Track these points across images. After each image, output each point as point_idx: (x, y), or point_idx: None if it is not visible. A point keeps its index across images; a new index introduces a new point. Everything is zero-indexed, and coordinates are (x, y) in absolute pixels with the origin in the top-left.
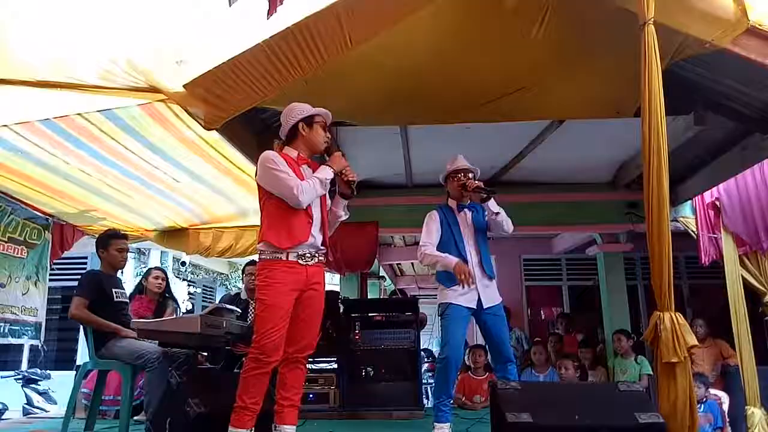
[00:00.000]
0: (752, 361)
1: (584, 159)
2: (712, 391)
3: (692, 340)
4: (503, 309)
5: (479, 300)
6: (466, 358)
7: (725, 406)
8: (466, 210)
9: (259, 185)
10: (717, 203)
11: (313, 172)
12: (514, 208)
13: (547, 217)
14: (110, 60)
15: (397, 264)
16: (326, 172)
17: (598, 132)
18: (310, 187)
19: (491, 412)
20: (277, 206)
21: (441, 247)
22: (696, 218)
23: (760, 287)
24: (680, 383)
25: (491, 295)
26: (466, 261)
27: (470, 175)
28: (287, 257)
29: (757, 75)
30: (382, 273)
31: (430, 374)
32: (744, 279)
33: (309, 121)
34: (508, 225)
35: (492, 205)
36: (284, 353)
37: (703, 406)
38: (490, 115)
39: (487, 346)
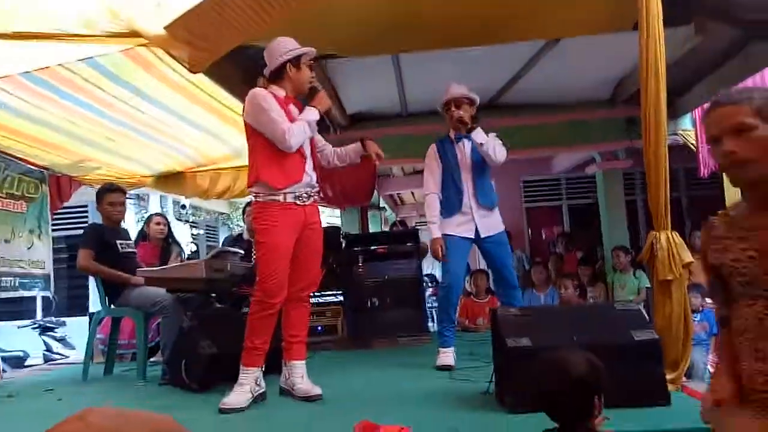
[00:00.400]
0: None
1: (582, 77)
2: (708, 300)
3: (687, 257)
4: (506, 235)
5: (476, 230)
6: (467, 284)
7: None
8: (464, 140)
9: (246, 123)
10: None
11: (299, 111)
12: (513, 131)
13: (546, 138)
14: (90, 8)
15: (397, 194)
16: (313, 114)
17: (595, 49)
18: (300, 130)
19: (492, 337)
20: (268, 145)
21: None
22: (696, 130)
23: None
24: (675, 299)
25: (489, 225)
26: (461, 192)
27: (461, 106)
28: (284, 198)
29: None
30: (382, 204)
31: (434, 298)
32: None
33: (296, 61)
34: (496, 155)
35: (476, 135)
36: (288, 292)
37: (699, 315)
38: (484, 38)
39: (490, 273)
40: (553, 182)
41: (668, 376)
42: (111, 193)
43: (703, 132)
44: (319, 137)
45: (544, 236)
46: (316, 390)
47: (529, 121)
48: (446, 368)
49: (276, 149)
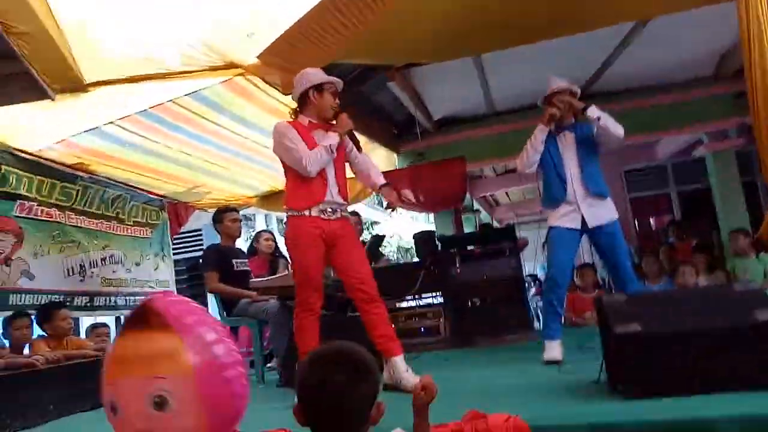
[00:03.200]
0: None
1: (678, 55)
2: None
3: None
4: (618, 227)
5: (583, 220)
6: (575, 278)
7: None
8: (566, 131)
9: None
10: None
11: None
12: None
13: (646, 123)
14: (188, 45)
15: (491, 195)
16: (331, 139)
17: (690, 23)
18: (316, 157)
19: (599, 326)
20: (296, 172)
21: (542, 167)
22: None
23: None
24: None
25: (598, 214)
26: (564, 181)
27: (565, 97)
28: (310, 213)
29: None
30: (476, 206)
31: (539, 298)
32: None
33: (319, 88)
34: (616, 128)
35: (591, 111)
36: (353, 298)
37: None
38: (567, 29)
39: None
40: (659, 169)
41: None
42: (230, 212)
43: None
44: (353, 149)
45: (653, 227)
46: (415, 380)
47: (626, 107)
48: (554, 362)
49: (302, 176)
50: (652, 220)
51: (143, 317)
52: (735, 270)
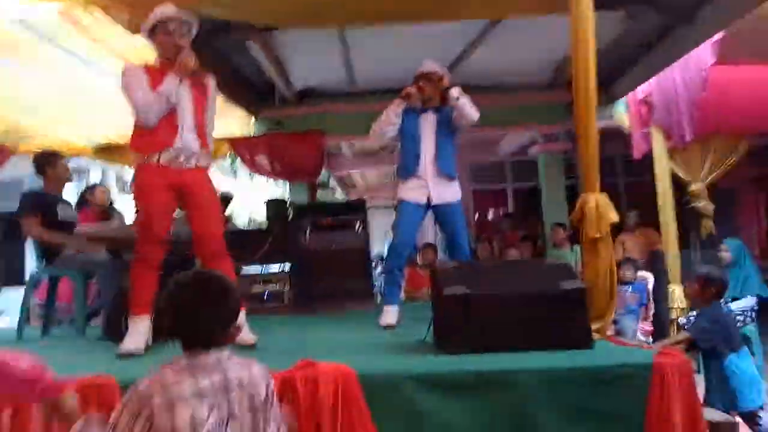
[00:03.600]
0: (676, 246)
1: (523, 60)
2: (640, 273)
3: (614, 217)
4: (460, 208)
5: (429, 196)
6: (418, 256)
7: (650, 286)
8: (429, 111)
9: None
10: (648, 99)
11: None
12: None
13: (491, 119)
14: None
15: (348, 174)
16: (167, 83)
17: (534, 32)
18: (148, 106)
19: (432, 290)
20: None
21: (401, 142)
22: (628, 114)
23: (686, 177)
24: (602, 256)
25: (443, 193)
26: (418, 157)
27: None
28: (158, 161)
29: None
30: (332, 184)
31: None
32: (673, 171)
33: (164, 26)
34: (471, 112)
35: (454, 91)
36: (198, 254)
37: (631, 287)
38: (427, 15)
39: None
40: (499, 165)
41: (594, 326)
42: (63, 158)
43: (636, 116)
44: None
45: (491, 217)
46: (251, 339)
47: (474, 101)
48: (390, 327)
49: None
50: (489, 211)
51: None
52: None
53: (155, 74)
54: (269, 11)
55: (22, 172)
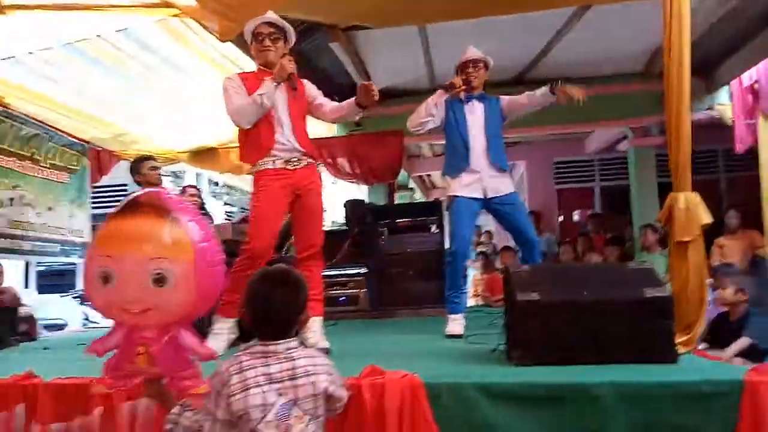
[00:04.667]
0: None
1: (613, 49)
2: None
3: (707, 218)
4: (518, 198)
5: (484, 190)
6: (497, 261)
7: None
8: (474, 101)
9: None
10: (755, 86)
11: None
12: (542, 108)
13: (577, 114)
14: None
15: (427, 175)
16: (265, 86)
17: (626, 19)
18: (242, 108)
19: (505, 294)
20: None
21: (447, 134)
22: (732, 104)
23: None
24: (692, 261)
25: (498, 186)
26: (468, 151)
27: (478, 68)
28: (274, 164)
29: None
30: (411, 185)
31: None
32: None
33: (256, 35)
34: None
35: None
36: (297, 253)
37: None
38: (510, 6)
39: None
40: (586, 163)
41: (680, 339)
42: (148, 160)
43: (740, 105)
44: (318, 98)
45: (577, 218)
46: (324, 343)
47: None
48: (455, 336)
49: (250, 128)
50: (575, 213)
51: (139, 206)
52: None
53: (253, 81)
54: (351, 12)
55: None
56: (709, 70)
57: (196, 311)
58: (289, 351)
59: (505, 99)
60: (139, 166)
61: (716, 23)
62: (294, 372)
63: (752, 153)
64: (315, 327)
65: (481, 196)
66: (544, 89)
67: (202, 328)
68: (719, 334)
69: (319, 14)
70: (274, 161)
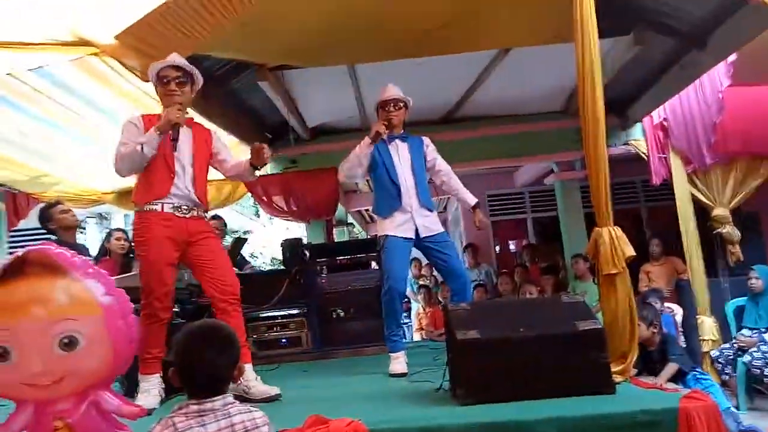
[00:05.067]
0: (702, 275)
1: (535, 88)
2: (667, 304)
3: (630, 251)
4: (447, 236)
5: (416, 230)
6: (439, 295)
7: (678, 318)
8: (397, 140)
9: None
10: (664, 123)
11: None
12: (472, 143)
13: (504, 149)
14: (37, 14)
15: (366, 210)
16: (147, 136)
17: (545, 60)
18: (128, 155)
19: (445, 332)
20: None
21: (375, 176)
22: (646, 140)
23: (708, 203)
24: (620, 292)
25: (429, 225)
26: (398, 191)
27: (398, 108)
28: (162, 208)
29: None
30: (350, 220)
31: (406, 314)
32: (694, 196)
33: (156, 80)
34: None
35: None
36: (212, 302)
37: None
38: (434, 48)
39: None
40: (517, 195)
41: (616, 368)
42: (56, 205)
43: (653, 141)
44: (222, 152)
45: (513, 248)
46: (274, 390)
47: (487, 133)
48: (399, 375)
49: (147, 168)
50: (511, 243)
51: (26, 266)
52: (575, 291)
53: (151, 125)
54: (279, 51)
55: None
56: (622, 109)
57: (116, 370)
58: (225, 407)
59: (432, 152)
60: (49, 213)
61: (625, 66)
62: (233, 429)
63: (668, 184)
64: (252, 375)
65: (413, 236)
66: (469, 202)
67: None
68: (646, 363)
69: (246, 54)
70: (164, 206)
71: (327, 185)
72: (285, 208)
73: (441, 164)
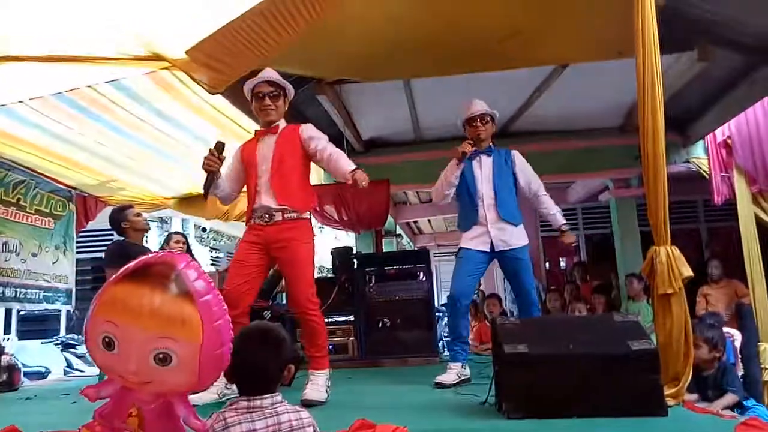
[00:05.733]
0: (765, 298)
1: (592, 104)
2: (725, 329)
3: (687, 271)
4: (525, 254)
5: (492, 243)
6: (484, 308)
7: (737, 343)
8: (482, 155)
9: None
10: (728, 141)
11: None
12: (526, 158)
13: (558, 165)
14: (114, 31)
15: (414, 222)
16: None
17: (604, 75)
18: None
19: (492, 346)
20: None
21: (457, 191)
22: (708, 158)
23: None
24: (676, 314)
25: (507, 238)
26: (476, 205)
27: (485, 122)
28: (252, 221)
29: (759, 2)
30: (399, 231)
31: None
32: (757, 217)
33: (251, 96)
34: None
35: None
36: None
37: None
38: (492, 63)
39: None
40: (569, 212)
41: (669, 391)
42: (130, 208)
43: (716, 159)
44: (315, 142)
45: (563, 266)
46: (319, 397)
47: (541, 148)
48: (443, 386)
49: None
50: (561, 260)
51: (151, 273)
52: (628, 311)
53: (248, 146)
54: (341, 66)
55: None
56: (684, 126)
57: (195, 389)
58: (274, 406)
59: (527, 173)
60: (123, 214)
61: (688, 82)
62: (279, 427)
63: (730, 204)
64: (312, 379)
65: (488, 249)
66: (555, 222)
67: None
68: (698, 389)
69: (307, 68)
70: (252, 219)
71: (378, 197)
72: (336, 218)
73: (537, 191)
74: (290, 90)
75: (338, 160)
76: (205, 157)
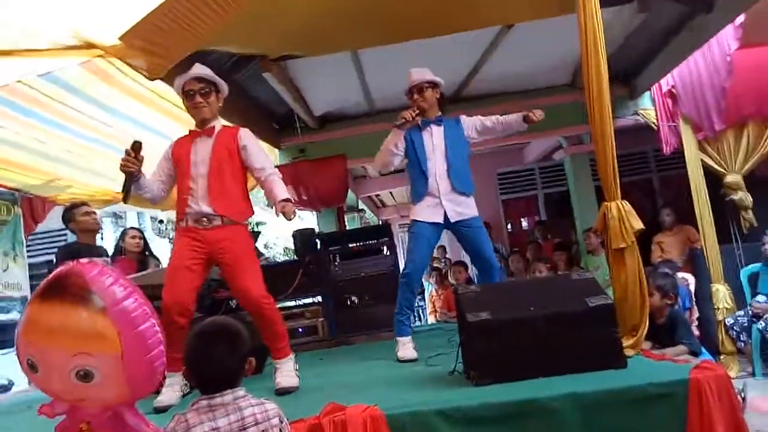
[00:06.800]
0: (715, 242)
1: (541, 63)
2: (680, 274)
3: (638, 224)
4: (479, 222)
5: (446, 214)
6: (450, 275)
7: (692, 287)
8: (432, 125)
9: None
10: (673, 91)
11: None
12: None
13: None
14: (42, 21)
15: (376, 195)
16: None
17: (550, 33)
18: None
19: (457, 315)
20: None
21: (408, 164)
22: (655, 108)
23: (720, 169)
24: (630, 266)
25: (460, 209)
26: (426, 176)
27: (424, 91)
28: (186, 223)
29: None
30: (361, 206)
31: (420, 297)
32: (705, 163)
33: (181, 94)
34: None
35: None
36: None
37: None
38: (435, 28)
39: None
40: (527, 172)
41: (627, 342)
42: (79, 206)
43: (662, 109)
44: (253, 159)
45: (525, 226)
46: (292, 383)
47: (494, 111)
48: (409, 361)
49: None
50: (522, 221)
51: (63, 289)
52: (588, 266)
53: (181, 144)
54: (280, 42)
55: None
56: (630, 79)
57: (134, 397)
58: (236, 401)
59: (471, 122)
60: (71, 213)
61: (631, 35)
62: (243, 422)
63: (680, 153)
64: (278, 368)
65: (441, 221)
66: (518, 119)
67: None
68: (653, 335)
69: (248, 46)
70: (187, 221)
71: (336, 172)
72: (296, 197)
73: (484, 122)
74: (222, 86)
75: (273, 184)
76: (122, 158)
